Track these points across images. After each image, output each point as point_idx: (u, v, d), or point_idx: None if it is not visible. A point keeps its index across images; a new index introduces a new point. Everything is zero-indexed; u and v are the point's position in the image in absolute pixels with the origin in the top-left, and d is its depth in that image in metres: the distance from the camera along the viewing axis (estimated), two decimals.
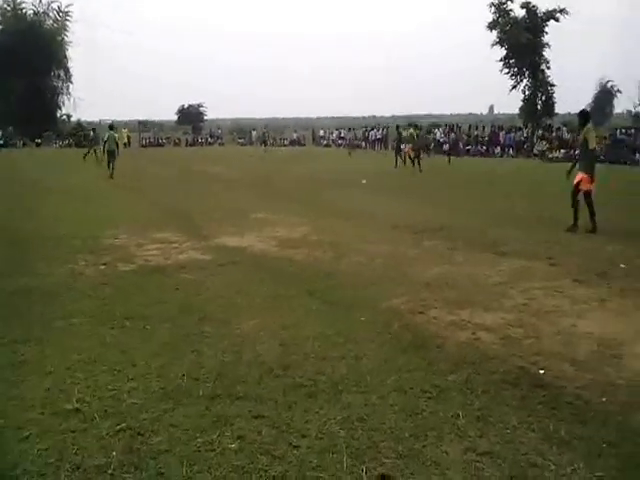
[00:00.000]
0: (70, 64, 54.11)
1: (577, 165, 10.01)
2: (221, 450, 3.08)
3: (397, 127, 28.26)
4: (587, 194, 9.60)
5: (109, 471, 2.90)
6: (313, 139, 55.08)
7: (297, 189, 16.61)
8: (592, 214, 9.53)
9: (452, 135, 39.16)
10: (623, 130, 32.98)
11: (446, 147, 38.99)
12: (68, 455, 3.03)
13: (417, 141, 24.77)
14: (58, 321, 5.10)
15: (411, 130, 25.22)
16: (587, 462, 2.96)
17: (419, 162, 22.88)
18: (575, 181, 9.71)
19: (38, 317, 5.23)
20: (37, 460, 2.98)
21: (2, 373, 4.05)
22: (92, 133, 29.40)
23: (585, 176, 9.59)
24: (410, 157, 23.84)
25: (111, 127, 22.51)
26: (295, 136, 56.08)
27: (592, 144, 9.70)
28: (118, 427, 3.29)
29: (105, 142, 21.63)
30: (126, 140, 46.48)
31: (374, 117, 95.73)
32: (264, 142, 44.72)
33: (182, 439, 3.18)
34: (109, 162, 20.57)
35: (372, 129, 49.76)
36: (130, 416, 3.42)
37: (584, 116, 10.15)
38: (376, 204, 13.11)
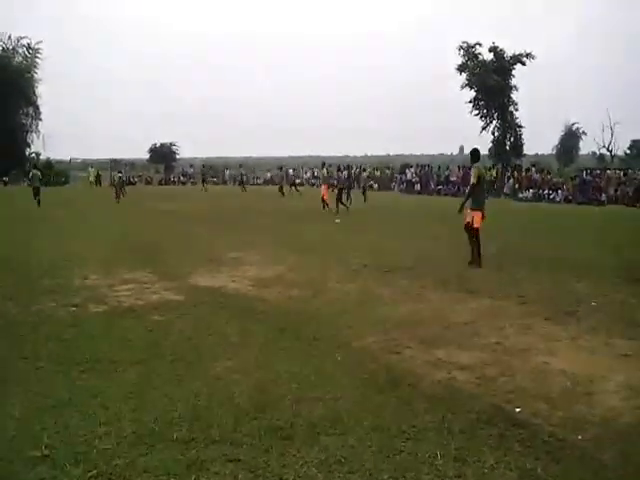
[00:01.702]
0: (39, 101, 53.94)
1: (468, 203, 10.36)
2: None
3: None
4: (475, 230, 10.04)
5: None
6: (287, 178, 55.37)
7: (272, 227, 16.62)
8: (478, 248, 10.05)
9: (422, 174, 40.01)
10: (589, 171, 34.07)
11: (418, 187, 39.78)
12: None
13: (328, 179, 23.62)
14: (25, 365, 4.96)
15: (324, 170, 24.35)
16: None
17: (340, 202, 21.35)
18: (467, 219, 10.15)
19: (3, 360, 5.09)
20: None
21: None
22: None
23: (476, 213, 10.06)
24: (323, 199, 22.11)
25: (35, 166, 28.94)
26: (269, 175, 56.35)
27: (473, 180, 10.17)
28: (89, 474, 3.19)
29: (30, 179, 25.73)
30: (93, 179, 46.17)
31: (347, 157, 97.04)
32: (241, 182, 42.18)
33: None
34: (35, 196, 23.82)
35: (345, 169, 50.29)
36: (102, 462, 3.32)
37: (472, 155, 10.72)
38: (346, 241, 13.18)
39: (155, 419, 3.88)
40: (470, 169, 11.25)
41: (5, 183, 46.06)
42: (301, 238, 14.02)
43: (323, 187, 23.00)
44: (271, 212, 21.61)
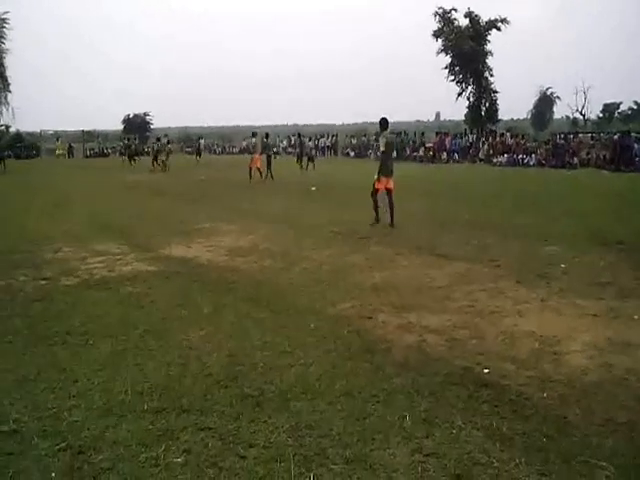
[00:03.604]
0: (8, 73, 52.32)
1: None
2: (166, 465, 3.02)
3: (299, 135, 29.56)
4: (388, 191, 10.80)
5: None
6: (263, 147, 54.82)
7: (238, 198, 16.50)
8: (376, 209, 10.86)
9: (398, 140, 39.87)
10: (562, 135, 34.27)
11: (394, 154, 39.64)
12: (4, 479, 2.90)
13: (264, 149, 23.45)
14: None
15: (253, 139, 24.05)
16: (528, 457, 3.04)
17: (268, 169, 22.21)
18: (387, 185, 10.79)
19: None
20: None
21: None
22: None
23: (382, 178, 10.77)
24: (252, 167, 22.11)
25: None
26: (244, 144, 55.66)
27: (382, 148, 11.06)
28: (58, 447, 3.18)
29: None
30: (61, 151, 45.35)
31: (325, 125, 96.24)
32: (198, 152, 40.24)
33: (126, 456, 3.10)
34: None
35: (321, 137, 50.04)
36: (71, 435, 3.31)
37: (381, 124, 11.23)
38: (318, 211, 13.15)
39: (125, 390, 3.87)
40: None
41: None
42: (272, 208, 13.95)
43: (256, 156, 22.56)
44: (238, 183, 21.30)
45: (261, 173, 22.03)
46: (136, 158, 35.82)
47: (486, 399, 3.73)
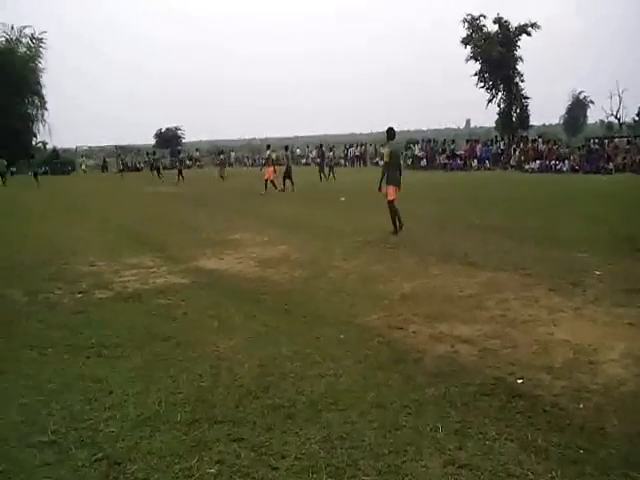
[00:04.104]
0: (44, 91, 53.93)
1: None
2: (200, 475, 3.05)
3: (320, 146, 30.93)
4: (390, 202, 10.85)
5: None
6: (292, 158, 55.08)
7: (266, 208, 16.61)
8: (397, 218, 10.89)
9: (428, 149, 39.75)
10: (596, 140, 33.66)
11: (424, 162, 39.49)
12: None
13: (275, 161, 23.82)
14: (32, 352, 5.02)
15: (268, 152, 24.22)
16: (564, 470, 2.98)
17: (279, 183, 22.33)
18: (393, 194, 10.89)
19: (10, 347, 5.15)
20: None
21: None
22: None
23: (390, 188, 10.84)
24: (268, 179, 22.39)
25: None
26: (274, 155, 56.12)
27: (385, 158, 11.16)
28: (94, 457, 3.24)
29: None
30: (85, 167, 47.42)
31: (353, 134, 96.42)
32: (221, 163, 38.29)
33: (160, 466, 3.14)
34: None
35: (350, 147, 50.15)
36: (107, 445, 3.37)
37: (388, 133, 11.34)
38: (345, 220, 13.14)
39: (159, 401, 3.93)
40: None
41: (12, 173, 46.28)
42: (301, 218, 14.00)
43: (269, 169, 22.80)
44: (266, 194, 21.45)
45: (275, 185, 22.30)
46: (161, 172, 36.78)
47: (520, 410, 3.67)
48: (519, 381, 4.11)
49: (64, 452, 3.33)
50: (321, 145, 34.57)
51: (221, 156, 37.99)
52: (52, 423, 3.67)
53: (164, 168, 39.13)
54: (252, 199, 20.03)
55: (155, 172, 36.44)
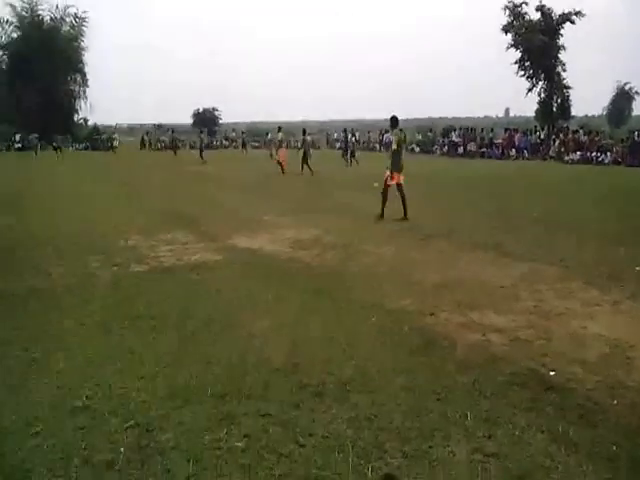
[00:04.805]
0: (86, 69, 54.84)
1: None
2: (228, 448, 3.10)
3: (344, 130, 30.69)
4: (398, 186, 11.22)
5: (116, 467, 2.94)
6: (327, 142, 54.95)
7: (297, 191, 16.60)
8: (384, 205, 11.21)
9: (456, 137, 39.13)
10: None
11: (461, 150, 38.90)
12: (77, 451, 3.06)
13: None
14: (69, 322, 5.15)
15: (279, 134, 24.37)
16: (595, 465, 2.93)
17: (305, 163, 22.15)
18: (395, 180, 11.20)
19: (49, 318, 5.28)
20: (47, 455, 3.03)
21: (12, 372, 4.10)
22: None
23: (395, 174, 11.19)
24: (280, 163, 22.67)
25: None
26: (310, 139, 56.03)
27: (394, 146, 11.39)
28: (126, 424, 3.33)
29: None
30: (117, 145, 47.96)
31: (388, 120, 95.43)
32: (244, 144, 44.95)
33: (189, 437, 3.20)
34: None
35: (386, 132, 49.63)
36: (138, 413, 3.45)
37: (392, 121, 11.72)
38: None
39: (190, 375, 3.99)
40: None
41: (54, 148, 47.20)
42: (336, 202, 13.96)
43: (281, 151, 23.15)
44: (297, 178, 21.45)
45: (282, 167, 22.36)
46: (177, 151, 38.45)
47: (551, 402, 3.62)
48: (552, 373, 4.05)
49: (97, 418, 3.42)
50: (345, 129, 34.43)
51: (269, 136, 38.23)
52: (86, 390, 3.77)
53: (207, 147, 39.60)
54: (286, 180, 20.03)
55: (172, 151, 37.90)
